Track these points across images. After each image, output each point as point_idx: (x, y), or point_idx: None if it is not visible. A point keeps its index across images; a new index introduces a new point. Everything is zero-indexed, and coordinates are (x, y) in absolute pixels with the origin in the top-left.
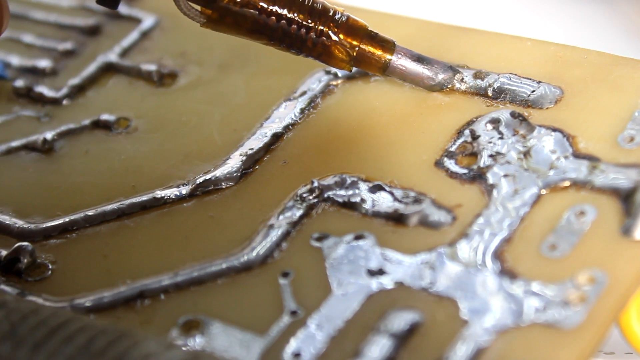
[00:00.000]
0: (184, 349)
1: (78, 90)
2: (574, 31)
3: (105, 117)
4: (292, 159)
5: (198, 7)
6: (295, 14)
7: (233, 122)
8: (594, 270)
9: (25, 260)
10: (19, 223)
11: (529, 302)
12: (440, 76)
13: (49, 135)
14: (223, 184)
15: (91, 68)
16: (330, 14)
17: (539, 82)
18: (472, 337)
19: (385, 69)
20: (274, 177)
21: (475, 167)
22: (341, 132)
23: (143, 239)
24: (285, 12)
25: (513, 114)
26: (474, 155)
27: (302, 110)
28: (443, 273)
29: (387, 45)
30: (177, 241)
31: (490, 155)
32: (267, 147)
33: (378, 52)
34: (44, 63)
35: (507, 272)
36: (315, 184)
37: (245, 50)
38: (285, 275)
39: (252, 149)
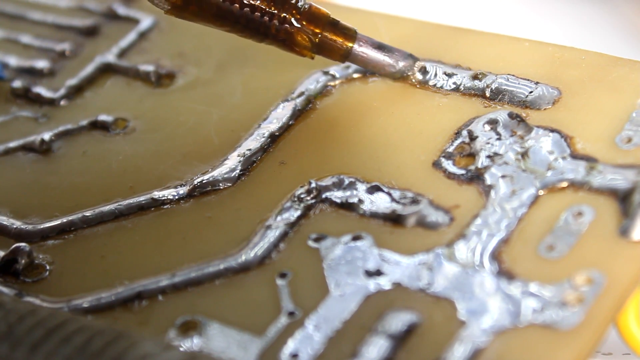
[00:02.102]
0: (181, 349)
1: (76, 91)
2: (571, 32)
3: (103, 117)
4: (289, 160)
5: None
6: (259, 1)
7: (231, 122)
8: (591, 271)
9: (23, 261)
10: (17, 224)
11: (527, 302)
12: (401, 63)
13: (46, 136)
14: (221, 184)
15: (89, 69)
16: (293, 1)
17: (536, 83)
18: (470, 337)
19: (347, 57)
20: (272, 177)
21: (473, 167)
22: (339, 133)
23: (141, 239)
24: None
25: (511, 115)
26: (472, 156)
27: (300, 111)
28: (441, 274)
29: (349, 33)
30: (175, 242)
31: (488, 156)
32: (265, 148)
33: (340, 40)
34: (41, 64)
35: (504, 273)
36: (313, 185)
37: (243, 50)
38: (282, 276)
39: (249, 149)
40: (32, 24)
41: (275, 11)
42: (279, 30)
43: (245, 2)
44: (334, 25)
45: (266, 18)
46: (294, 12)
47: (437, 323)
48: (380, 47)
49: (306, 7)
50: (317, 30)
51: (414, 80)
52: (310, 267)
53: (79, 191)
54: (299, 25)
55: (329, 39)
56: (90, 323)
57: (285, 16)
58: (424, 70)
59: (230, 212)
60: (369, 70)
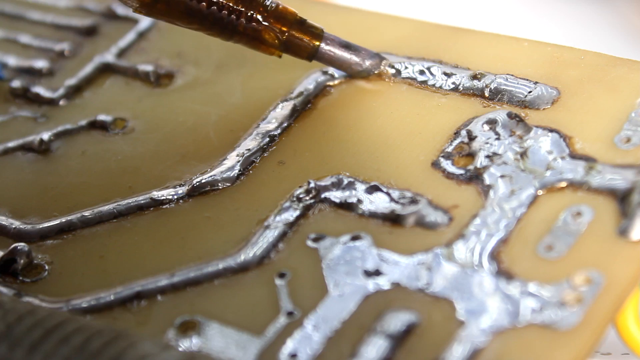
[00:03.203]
0: (180, 349)
1: (75, 91)
2: (570, 32)
3: (102, 117)
4: (288, 160)
5: None
6: (226, 0)
7: (230, 122)
8: (590, 271)
9: (22, 261)
10: (16, 224)
11: (526, 302)
12: (368, 62)
13: (45, 135)
14: (220, 184)
15: (88, 68)
16: (260, 0)
17: (535, 83)
18: (469, 337)
19: (314, 55)
20: (271, 177)
21: (472, 167)
22: (338, 133)
23: (140, 239)
24: None
25: (510, 115)
26: (471, 156)
27: (299, 111)
28: (439, 274)
29: (316, 32)
30: (174, 242)
31: (487, 156)
32: (264, 148)
33: (307, 38)
34: (40, 63)
35: (503, 273)
36: (312, 185)
37: (242, 50)
38: (281, 276)
39: (248, 149)
40: (31, 24)
41: (243, 9)
42: (247, 28)
43: (213, 0)
44: (301, 24)
45: (234, 16)
46: (261, 9)
47: (436, 323)
48: (347, 46)
49: (273, 5)
50: (284, 29)
51: (387, 79)
52: (309, 267)
53: (78, 191)
54: (266, 23)
55: (296, 37)
56: (89, 323)
57: (252, 14)
58: (392, 68)
59: (229, 212)
60: (336, 68)
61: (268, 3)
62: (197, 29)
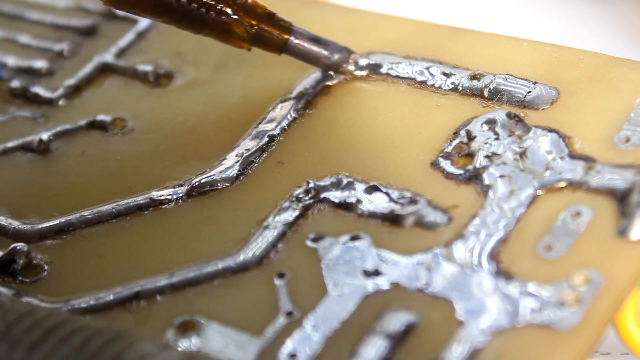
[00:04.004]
0: (179, 349)
1: (74, 91)
2: (569, 32)
3: (101, 117)
4: (288, 160)
5: None
6: None
7: (229, 122)
8: (589, 271)
9: (21, 261)
10: (15, 224)
11: (525, 302)
12: (336, 56)
13: (44, 135)
14: (219, 184)
15: (87, 68)
16: None
17: (535, 83)
18: (468, 337)
19: (283, 49)
20: (270, 177)
21: (471, 167)
22: (337, 133)
23: (139, 239)
24: None
25: (509, 115)
26: (470, 156)
27: (298, 111)
28: (439, 274)
29: (285, 26)
30: (173, 242)
31: (486, 156)
32: (263, 148)
33: (276, 32)
34: (40, 63)
35: (503, 273)
36: (311, 185)
37: (242, 50)
38: (281, 276)
39: (248, 149)
40: (31, 24)
41: (212, 2)
42: (216, 21)
43: None
44: (271, 18)
45: (203, 9)
46: (230, 3)
47: (435, 323)
48: (316, 40)
49: (243, 0)
50: (254, 22)
51: (357, 73)
52: (309, 267)
53: (77, 191)
54: (235, 17)
55: (266, 30)
56: (89, 323)
57: (221, 7)
58: (358, 63)
59: (228, 212)
60: (305, 62)
61: None
62: (166, 21)
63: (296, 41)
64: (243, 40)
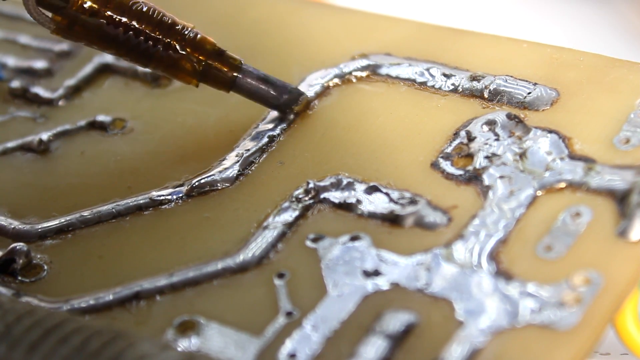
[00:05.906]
0: (179, 349)
1: (74, 91)
2: (569, 33)
3: (101, 118)
4: (288, 160)
5: (49, 14)
6: (144, 26)
7: (229, 123)
8: (589, 272)
9: (21, 261)
10: (15, 224)
11: (525, 303)
12: (285, 96)
13: (44, 136)
14: (219, 184)
15: (87, 69)
16: (179, 28)
17: (534, 84)
18: (468, 338)
19: (232, 87)
20: (270, 178)
21: (471, 168)
22: (337, 133)
23: (139, 239)
24: (134, 23)
25: (509, 116)
26: (470, 156)
27: (298, 111)
28: (438, 274)
29: (234, 63)
30: (173, 242)
31: (486, 157)
32: (263, 148)
33: (225, 69)
34: (39, 64)
35: (502, 273)
36: (311, 185)
37: (242, 51)
38: (280, 276)
39: (247, 150)
40: (30, 24)
41: (160, 37)
42: (163, 56)
43: (130, 26)
44: (220, 55)
45: (150, 42)
46: (179, 38)
47: (435, 323)
48: (265, 79)
49: (192, 35)
50: (202, 58)
51: (310, 112)
52: (308, 267)
53: (77, 191)
54: (183, 52)
55: (214, 67)
56: (88, 323)
57: (169, 42)
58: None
59: (228, 213)
60: (253, 101)
61: (187, 32)
62: (114, 54)
63: (245, 80)
64: (190, 75)
